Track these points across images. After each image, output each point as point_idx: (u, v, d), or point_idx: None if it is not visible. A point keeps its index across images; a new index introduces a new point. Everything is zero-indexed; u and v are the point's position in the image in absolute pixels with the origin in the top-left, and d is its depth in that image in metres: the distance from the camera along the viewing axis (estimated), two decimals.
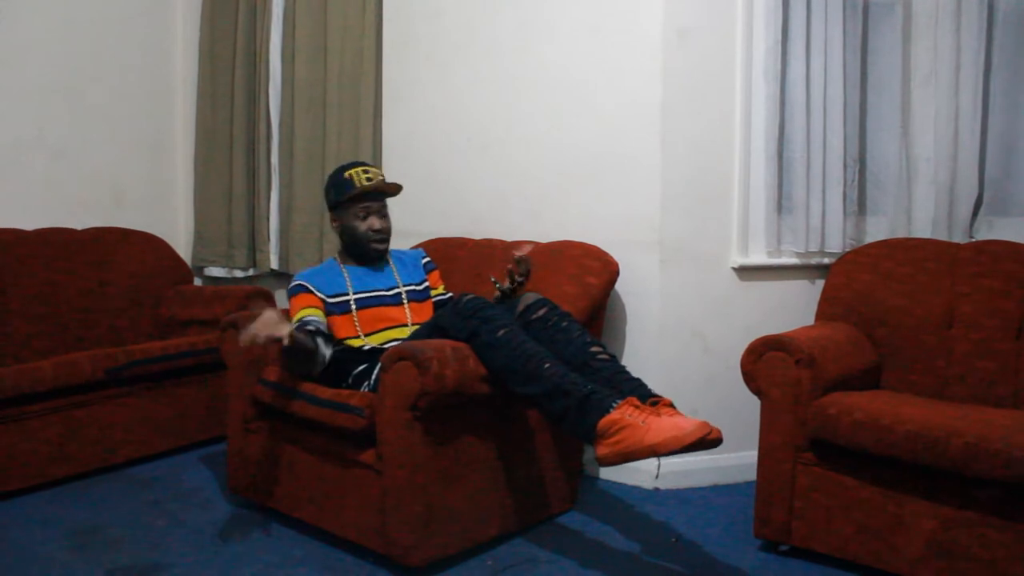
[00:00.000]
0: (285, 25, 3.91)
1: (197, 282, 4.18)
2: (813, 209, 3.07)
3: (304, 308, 2.76)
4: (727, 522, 2.75)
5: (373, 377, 2.55)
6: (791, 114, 3.06)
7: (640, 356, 3.06)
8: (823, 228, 3.08)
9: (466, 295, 2.47)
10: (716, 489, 3.04)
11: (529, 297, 2.56)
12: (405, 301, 2.86)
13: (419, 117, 3.61)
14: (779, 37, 3.03)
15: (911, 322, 2.74)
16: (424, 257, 3.06)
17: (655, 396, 2.20)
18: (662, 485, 3.03)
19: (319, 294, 2.78)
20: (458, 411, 2.39)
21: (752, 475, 2.56)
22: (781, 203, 3.11)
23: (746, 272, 3.10)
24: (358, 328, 2.76)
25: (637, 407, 2.13)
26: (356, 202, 2.79)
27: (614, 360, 2.38)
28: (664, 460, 2.96)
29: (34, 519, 2.74)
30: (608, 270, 2.90)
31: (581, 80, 3.14)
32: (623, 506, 2.84)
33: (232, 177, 4.05)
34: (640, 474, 3.06)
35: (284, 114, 3.90)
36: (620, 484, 3.05)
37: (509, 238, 3.13)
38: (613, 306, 3.07)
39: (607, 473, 2.87)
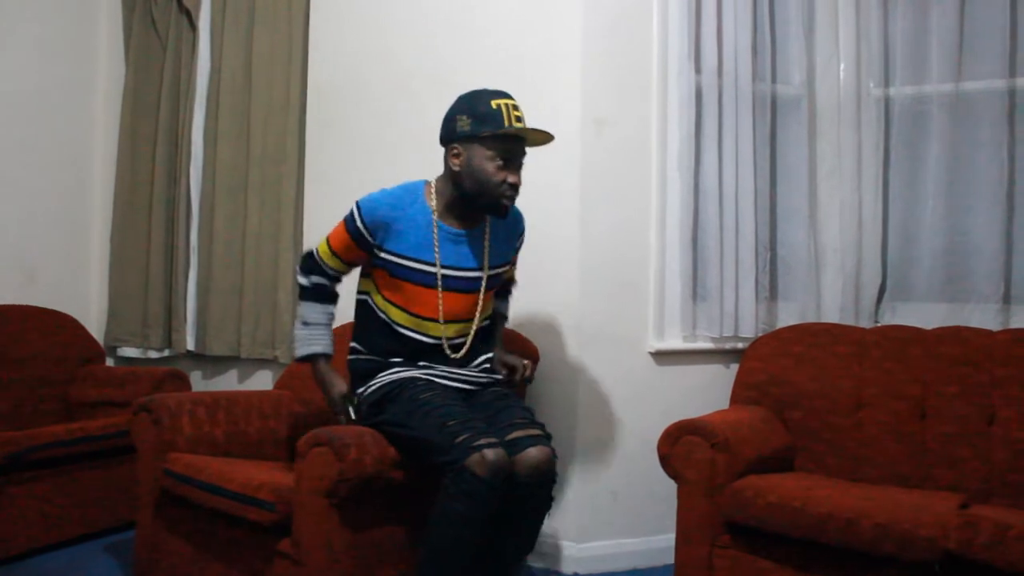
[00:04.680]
0: (208, 105, 3.87)
1: (109, 362, 4.06)
2: (727, 295, 3.15)
3: (333, 255, 2.43)
4: None
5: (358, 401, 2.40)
6: (704, 203, 3.16)
7: (560, 440, 3.06)
8: (736, 313, 3.16)
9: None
10: (636, 573, 3.03)
11: (536, 458, 2.24)
12: (482, 289, 2.42)
13: (341, 201, 3.57)
14: (692, 130, 3.15)
15: (822, 405, 2.81)
16: (523, 227, 2.56)
17: None
18: (581, 570, 3.02)
19: (374, 242, 2.35)
20: (377, 497, 2.35)
21: (671, 558, 2.56)
22: (696, 289, 3.19)
23: (663, 356, 3.15)
24: (440, 312, 2.35)
25: None
26: (498, 143, 2.28)
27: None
28: (583, 545, 2.99)
29: None
30: (530, 357, 2.89)
31: None
32: None
33: (150, 256, 3.97)
34: (558, 560, 3.04)
35: (205, 194, 3.85)
36: (542, 569, 3.02)
37: None
38: (533, 389, 3.08)
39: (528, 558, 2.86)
